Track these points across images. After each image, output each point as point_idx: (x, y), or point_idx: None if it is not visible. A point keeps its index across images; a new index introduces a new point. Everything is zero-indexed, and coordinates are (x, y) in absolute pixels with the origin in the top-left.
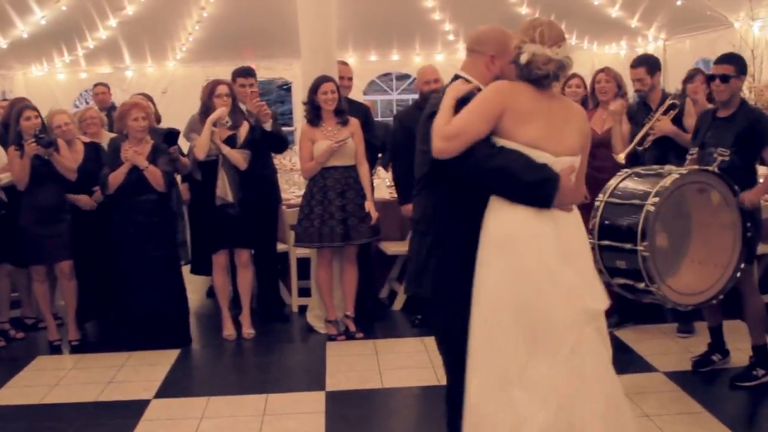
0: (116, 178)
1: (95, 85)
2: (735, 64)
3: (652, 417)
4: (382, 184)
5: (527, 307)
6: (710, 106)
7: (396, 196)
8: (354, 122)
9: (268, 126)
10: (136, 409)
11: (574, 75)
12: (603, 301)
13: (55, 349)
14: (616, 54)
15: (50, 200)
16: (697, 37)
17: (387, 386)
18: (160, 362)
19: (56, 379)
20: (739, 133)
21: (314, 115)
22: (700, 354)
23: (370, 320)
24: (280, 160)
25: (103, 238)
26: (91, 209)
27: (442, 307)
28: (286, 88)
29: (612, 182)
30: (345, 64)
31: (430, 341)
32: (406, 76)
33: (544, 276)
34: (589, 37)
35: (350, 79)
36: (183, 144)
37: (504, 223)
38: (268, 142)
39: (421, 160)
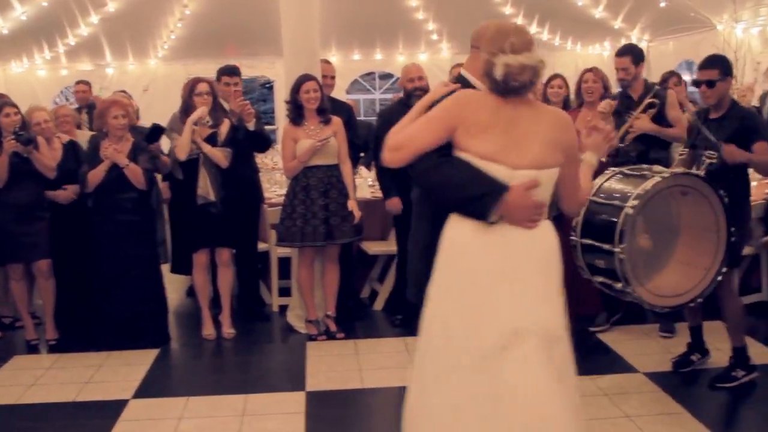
0: (95, 175)
1: (77, 83)
2: (719, 67)
3: (632, 417)
4: (364, 184)
5: (453, 321)
6: (691, 108)
7: (378, 196)
8: (336, 121)
9: (251, 125)
10: (114, 409)
11: (557, 75)
12: (553, 325)
13: (32, 349)
14: (600, 55)
15: (28, 198)
16: (681, 38)
17: (368, 386)
18: (138, 362)
19: (33, 379)
20: (731, 135)
21: (296, 114)
22: (680, 354)
23: (351, 320)
24: (261, 159)
25: (82, 237)
26: (71, 202)
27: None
28: (268, 86)
29: (597, 181)
30: (328, 62)
31: (411, 341)
32: (389, 76)
33: (474, 292)
34: (572, 37)
35: (333, 77)
36: (164, 142)
37: (454, 233)
38: (251, 142)
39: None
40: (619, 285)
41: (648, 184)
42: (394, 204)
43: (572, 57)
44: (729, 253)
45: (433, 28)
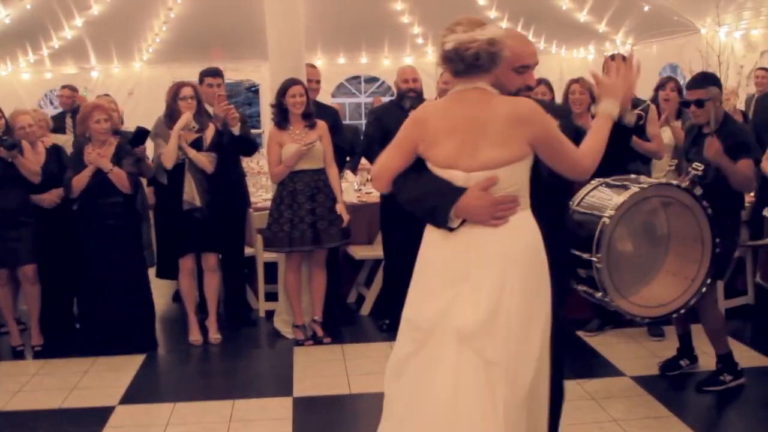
0: (80, 181)
1: (62, 88)
2: (708, 87)
3: (619, 421)
4: (350, 188)
5: (412, 320)
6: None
7: (364, 200)
8: (322, 125)
9: (236, 130)
10: (100, 415)
11: (541, 81)
12: (489, 347)
13: (17, 355)
14: (584, 58)
15: (13, 203)
16: (665, 42)
17: (355, 391)
18: (125, 368)
19: (19, 386)
20: (723, 150)
21: (282, 118)
22: (668, 358)
23: (338, 325)
24: (248, 163)
25: (68, 242)
26: (56, 206)
27: None
28: (253, 90)
29: (582, 191)
30: (313, 66)
31: None
32: (375, 79)
33: (426, 293)
34: (557, 41)
35: (318, 81)
36: (148, 145)
37: (426, 239)
38: (236, 146)
39: None
40: (599, 294)
41: (625, 195)
42: None
43: (557, 61)
44: (714, 264)
45: (419, 31)
